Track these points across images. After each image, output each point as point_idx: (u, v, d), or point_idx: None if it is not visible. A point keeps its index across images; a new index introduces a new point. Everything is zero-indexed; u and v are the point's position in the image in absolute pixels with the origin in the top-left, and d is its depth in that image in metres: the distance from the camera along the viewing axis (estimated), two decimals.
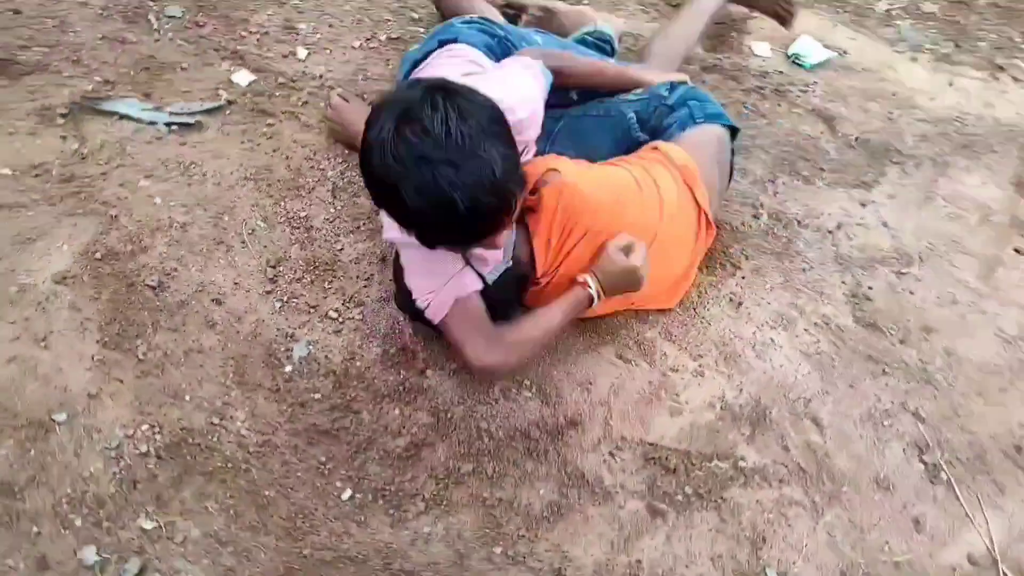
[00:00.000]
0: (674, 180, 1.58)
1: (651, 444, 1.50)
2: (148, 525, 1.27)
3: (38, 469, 1.29)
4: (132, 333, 1.45)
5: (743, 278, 1.81)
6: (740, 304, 1.76)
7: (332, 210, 1.66)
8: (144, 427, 1.37)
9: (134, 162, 1.63)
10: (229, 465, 1.37)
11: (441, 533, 1.36)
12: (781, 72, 2.41)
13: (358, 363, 1.49)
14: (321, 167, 1.73)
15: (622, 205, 1.47)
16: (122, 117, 1.70)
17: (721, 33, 2.51)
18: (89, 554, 1.22)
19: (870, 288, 1.85)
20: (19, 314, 1.44)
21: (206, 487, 1.34)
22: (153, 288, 1.49)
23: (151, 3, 2.00)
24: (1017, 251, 1.98)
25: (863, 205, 2.05)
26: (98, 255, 1.52)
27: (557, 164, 1.45)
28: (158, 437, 1.34)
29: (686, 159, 1.62)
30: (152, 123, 1.72)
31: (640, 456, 1.49)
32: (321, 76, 1.93)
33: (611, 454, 1.49)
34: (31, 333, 1.42)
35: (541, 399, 1.52)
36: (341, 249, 1.60)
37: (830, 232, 1.96)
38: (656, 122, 1.71)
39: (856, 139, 2.22)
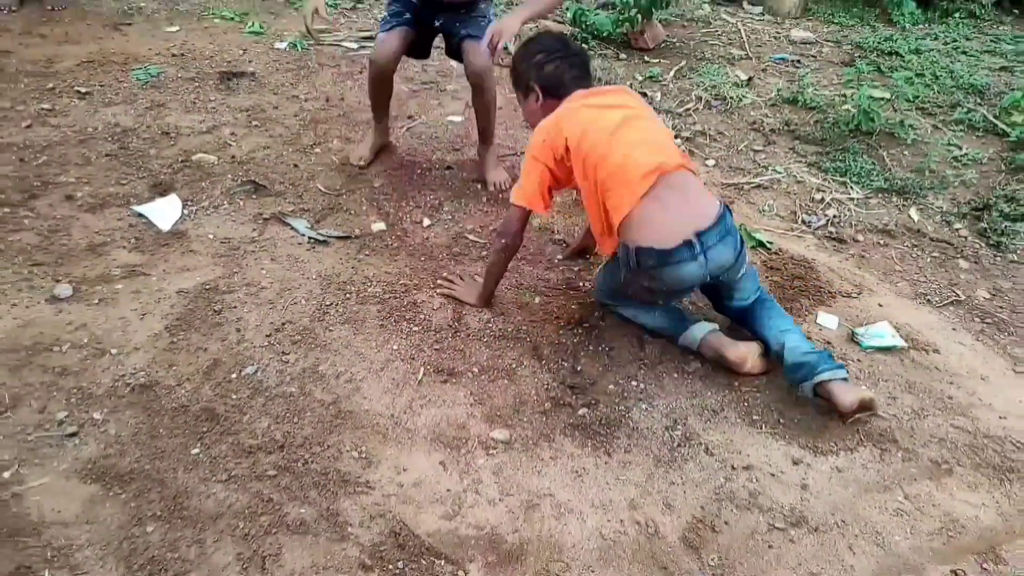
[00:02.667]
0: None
1: None
2: None
3: None
4: None
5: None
6: None
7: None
8: None
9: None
10: None
11: None
12: (827, 342, 2.43)
13: None
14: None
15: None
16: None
17: (795, 297, 2.65)
18: None
19: (725, 523, 1.79)
20: None
21: None
22: None
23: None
24: (954, 573, 1.69)
25: (795, 463, 1.98)
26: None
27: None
28: None
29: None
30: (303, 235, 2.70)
31: None
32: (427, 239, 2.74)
33: None
34: None
35: None
36: None
37: (734, 468, 1.94)
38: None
39: (852, 417, 2.10)
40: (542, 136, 2.09)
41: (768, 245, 2.87)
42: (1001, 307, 2.72)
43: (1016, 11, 5.66)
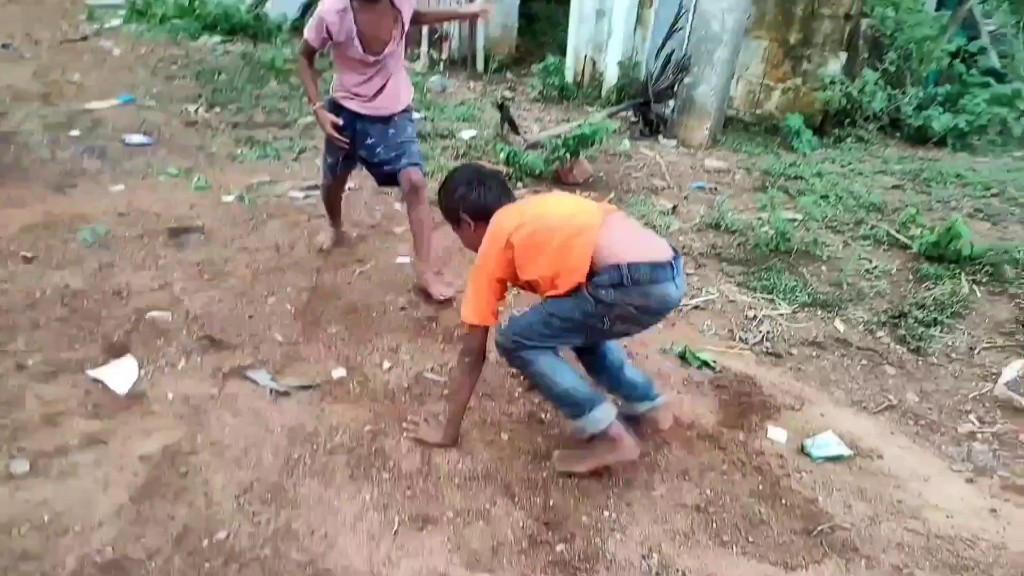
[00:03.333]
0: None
1: None
2: None
3: None
4: None
5: None
6: None
7: None
8: None
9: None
10: None
11: None
12: (780, 456, 2.57)
13: None
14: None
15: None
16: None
17: (743, 414, 2.80)
18: None
19: None
20: None
21: None
22: None
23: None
24: None
25: None
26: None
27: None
28: None
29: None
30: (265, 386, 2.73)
31: None
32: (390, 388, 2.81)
33: None
34: None
35: None
36: None
37: None
38: None
39: (815, 530, 2.23)
40: (485, 244, 2.19)
41: (712, 364, 3.04)
42: (930, 408, 2.94)
43: (897, 134, 6.37)
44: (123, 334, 2.96)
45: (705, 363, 3.06)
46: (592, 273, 2.05)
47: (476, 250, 2.25)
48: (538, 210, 2.20)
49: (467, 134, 5.81)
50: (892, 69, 5.99)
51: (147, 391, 2.64)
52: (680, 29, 6.09)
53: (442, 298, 3.31)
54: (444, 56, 8.93)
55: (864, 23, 6.00)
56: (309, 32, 3.06)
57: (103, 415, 2.50)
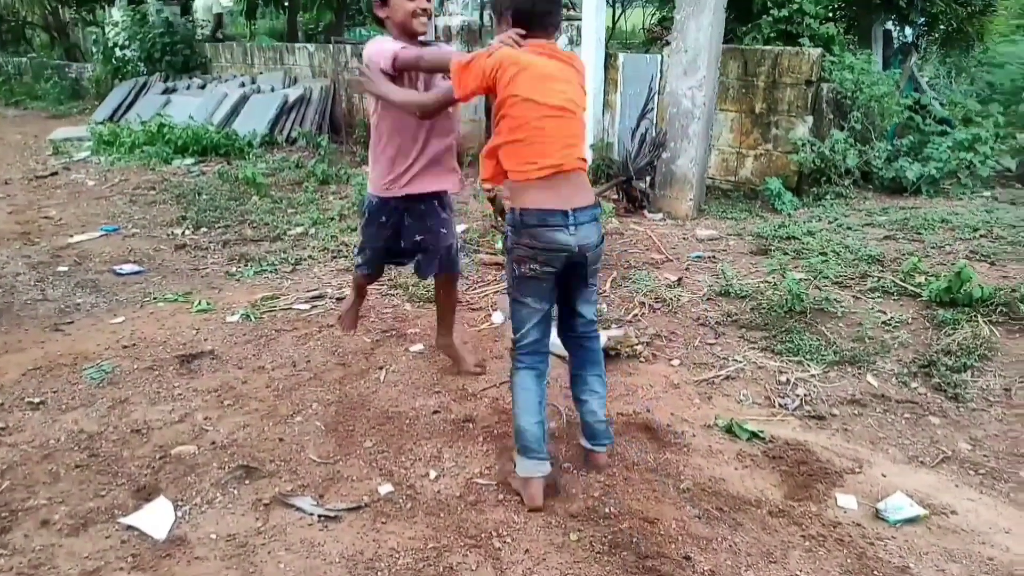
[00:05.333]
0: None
1: None
2: None
3: None
4: None
5: None
6: None
7: None
8: None
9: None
10: None
11: None
12: (858, 524, 2.51)
13: None
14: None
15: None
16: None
17: (808, 484, 2.74)
18: None
19: None
20: None
21: None
22: None
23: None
24: None
25: None
26: None
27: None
28: None
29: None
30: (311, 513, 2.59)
31: None
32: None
33: None
34: None
35: None
36: None
37: None
38: None
39: None
40: (481, 58, 2.43)
41: (761, 435, 3.00)
42: (985, 456, 2.92)
43: (870, 187, 6.61)
44: (150, 474, 2.82)
45: (754, 434, 3.02)
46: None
47: None
48: (533, 90, 2.40)
49: (458, 228, 5.85)
50: (858, 127, 6.26)
51: (187, 533, 2.49)
52: (652, 110, 6.33)
53: (477, 371, 3.41)
54: None
55: (825, 87, 6.31)
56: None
57: (146, 566, 2.35)
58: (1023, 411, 3.22)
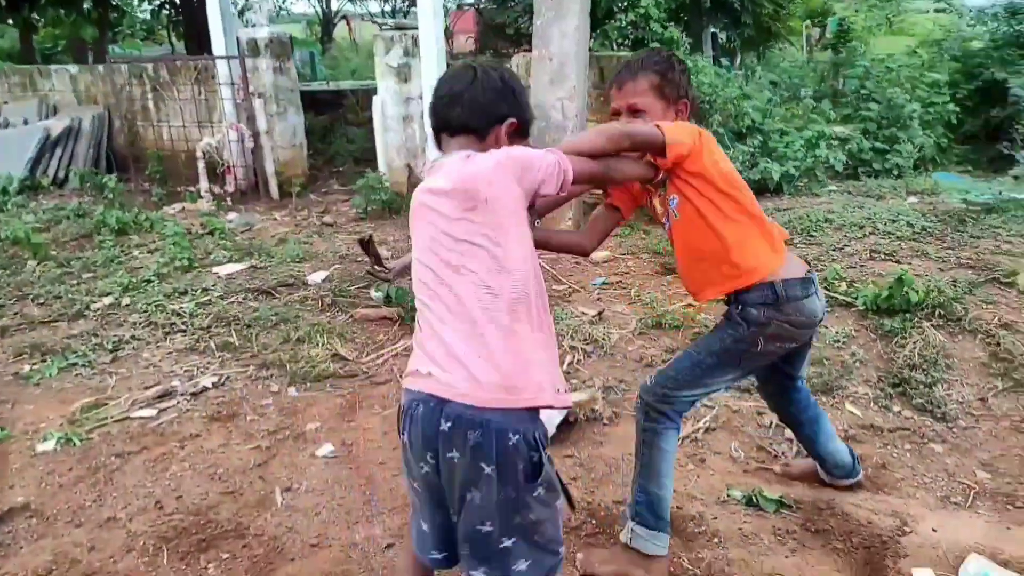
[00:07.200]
0: None
1: None
2: None
3: None
4: None
5: None
6: None
7: None
8: None
9: None
10: None
11: None
12: None
13: None
14: None
15: None
16: None
17: (872, 560, 2.35)
18: None
19: None
20: None
21: None
22: None
23: None
24: None
25: None
26: None
27: None
28: None
29: None
30: None
31: None
32: None
33: None
34: None
35: None
36: None
37: None
38: None
39: None
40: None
41: (786, 502, 2.58)
42: (1008, 482, 2.73)
43: None
44: None
45: (780, 503, 2.58)
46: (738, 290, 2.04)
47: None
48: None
49: (317, 276, 4.97)
50: (722, 131, 6.22)
51: None
52: None
53: None
54: (230, 189, 7.92)
55: None
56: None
57: None
58: (1009, 422, 3.10)
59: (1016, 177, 6.20)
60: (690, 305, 4.22)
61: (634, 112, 2.04)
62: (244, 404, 3.37)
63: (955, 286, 4.11)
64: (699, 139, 1.93)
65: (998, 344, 3.57)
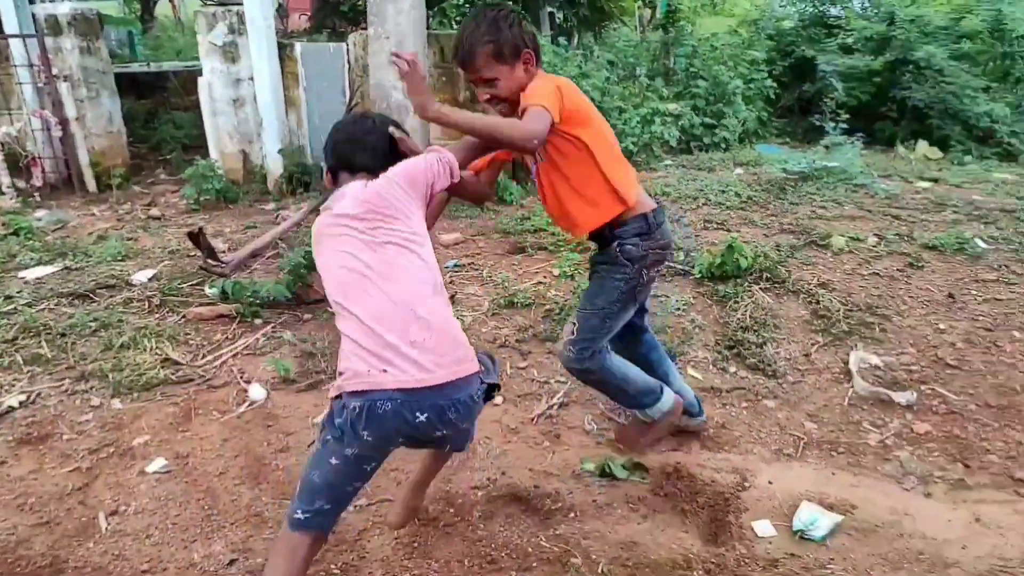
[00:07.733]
0: None
1: None
2: None
3: None
4: None
5: None
6: None
7: None
8: None
9: None
10: None
11: None
12: (793, 555, 2.28)
13: None
14: None
15: None
16: None
17: (716, 517, 2.45)
18: None
19: None
20: None
21: None
22: None
23: None
24: None
25: None
26: None
27: None
28: None
29: None
30: None
31: None
32: None
33: None
34: None
35: None
36: None
37: None
38: None
39: None
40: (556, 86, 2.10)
41: (638, 470, 2.67)
42: (831, 431, 2.97)
43: None
44: None
45: (638, 468, 2.67)
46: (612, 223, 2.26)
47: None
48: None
49: (143, 276, 4.57)
50: None
51: None
52: (357, 104, 5.64)
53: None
54: (38, 183, 7.11)
55: None
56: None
57: None
58: (830, 375, 3.36)
59: (827, 147, 6.75)
60: (539, 283, 4.26)
61: (487, 82, 2.16)
62: (59, 422, 3.02)
63: (779, 250, 4.41)
64: (559, 102, 2.05)
65: (818, 302, 3.87)
